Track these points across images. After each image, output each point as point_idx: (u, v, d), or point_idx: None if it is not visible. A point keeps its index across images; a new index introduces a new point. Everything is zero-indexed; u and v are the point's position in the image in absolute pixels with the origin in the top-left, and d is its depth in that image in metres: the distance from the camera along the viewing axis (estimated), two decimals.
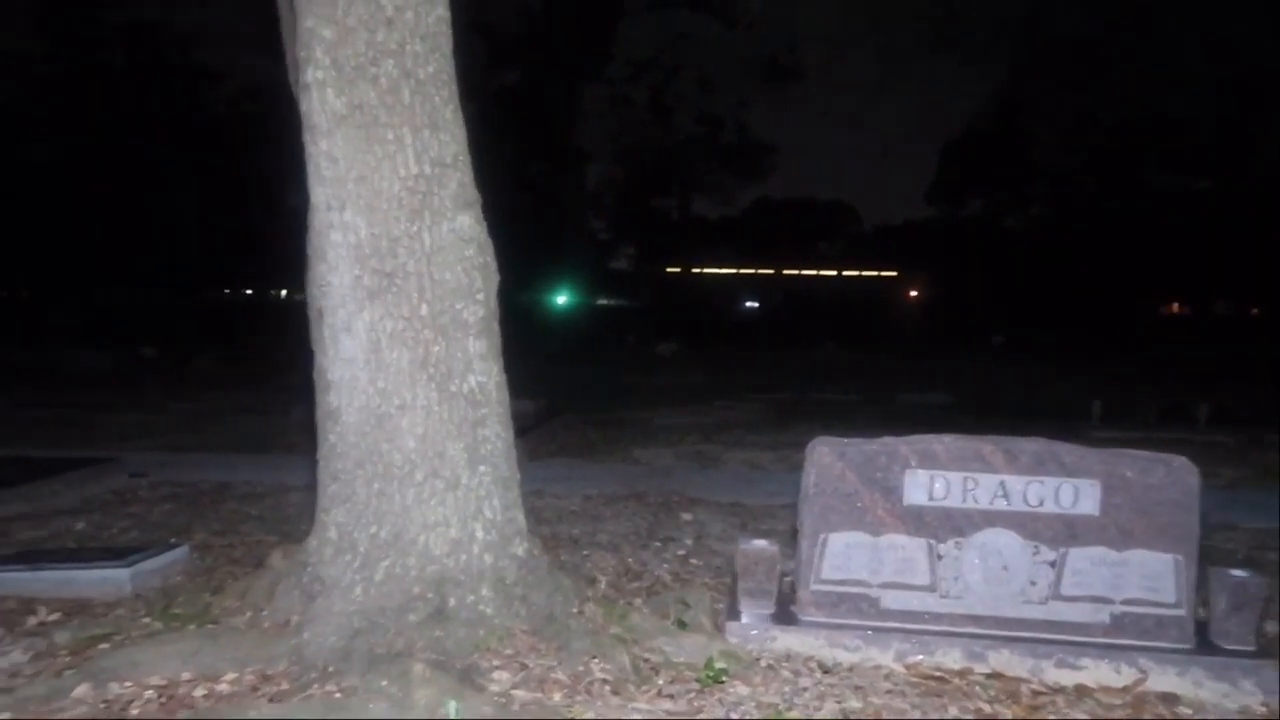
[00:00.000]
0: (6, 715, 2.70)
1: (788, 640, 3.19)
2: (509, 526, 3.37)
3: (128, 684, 2.89)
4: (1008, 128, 31.26)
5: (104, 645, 3.22)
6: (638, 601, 3.67)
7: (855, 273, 47.20)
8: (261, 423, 9.47)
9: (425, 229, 3.22)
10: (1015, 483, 3.19)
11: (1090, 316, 31.05)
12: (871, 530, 3.25)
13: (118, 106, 29.17)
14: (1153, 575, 3.10)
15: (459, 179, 3.33)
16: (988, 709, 2.83)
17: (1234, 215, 29.83)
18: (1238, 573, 3.13)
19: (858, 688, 2.94)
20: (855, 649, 3.15)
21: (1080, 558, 3.14)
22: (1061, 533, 3.16)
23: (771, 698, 2.85)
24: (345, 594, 3.15)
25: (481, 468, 3.31)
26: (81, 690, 2.83)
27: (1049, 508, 3.17)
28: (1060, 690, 2.98)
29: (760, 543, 3.36)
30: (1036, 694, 2.95)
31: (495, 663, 2.98)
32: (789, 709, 2.79)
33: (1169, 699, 2.93)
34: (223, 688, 2.87)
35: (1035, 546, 3.17)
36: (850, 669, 3.08)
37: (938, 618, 3.19)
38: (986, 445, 3.24)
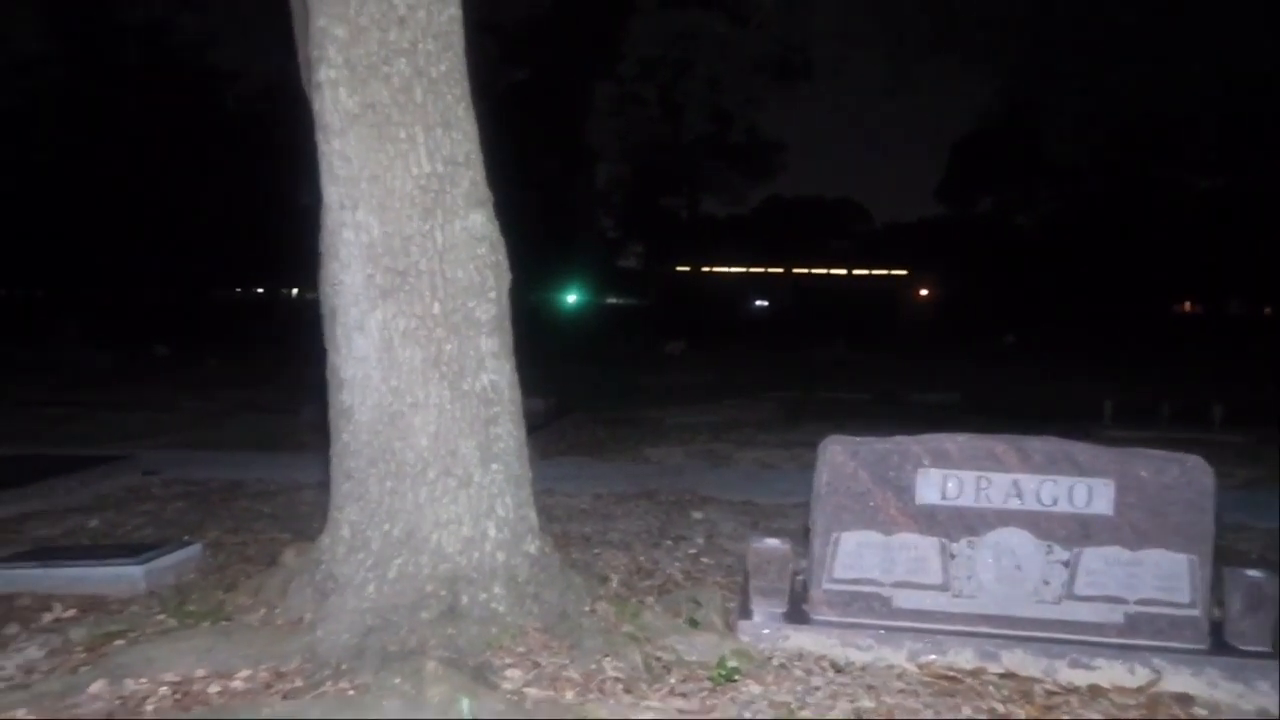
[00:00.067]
0: (23, 711, 2.72)
1: (800, 639, 3.19)
2: (521, 524, 3.38)
3: (143, 680, 2.90)
4: (1018, 125, 31.11)
5: (119, 642, 3.24)
6: (649, 600, 3.67)
7: (865, 271, 47.08)
8: (273, 421, 9.51)
9: (438, 227, 3.23)
10: (1029, 482, 3.18)
11: (1101, 316, 30.89)
12: (884, 529, 3.24)
13: (131, 106, 29.30)
14: (1167, 575, 3.09)
15: (471, 177, 3.33)
16: (1001, 709, 2.82)
17: (1246, 214, 29.65)
18: (1253, 573, 3.11)
19: (870, 687, 2.93)
20: (868, 648, 3.14)
21: (1094, 557, 3.13)
22: (1075, 532, 3.15)
23: (784, 697, 2.84)
24: (358, 592, 3.16)
25: (494, 466, 3.32)
26: (97, 687, 2.85)
27: (1063, 507, 3.16)
28: (1074, 690, 2.96)
29: (772, 541, 3.36)
30: (1050, 694, 2.94)
31: (508, 660, 2.98)
32: (801, 708, 2.78)
33: (1183, 700, 2.92)
34: (237, 684, 2.88)
35: (1049, 546, 3.16)
36: (863, 668, 3.07)
37: (950, 617, 3.18)
38: (1000, 444, 3.23)
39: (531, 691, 2.81)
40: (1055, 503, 3.16)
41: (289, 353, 11.50)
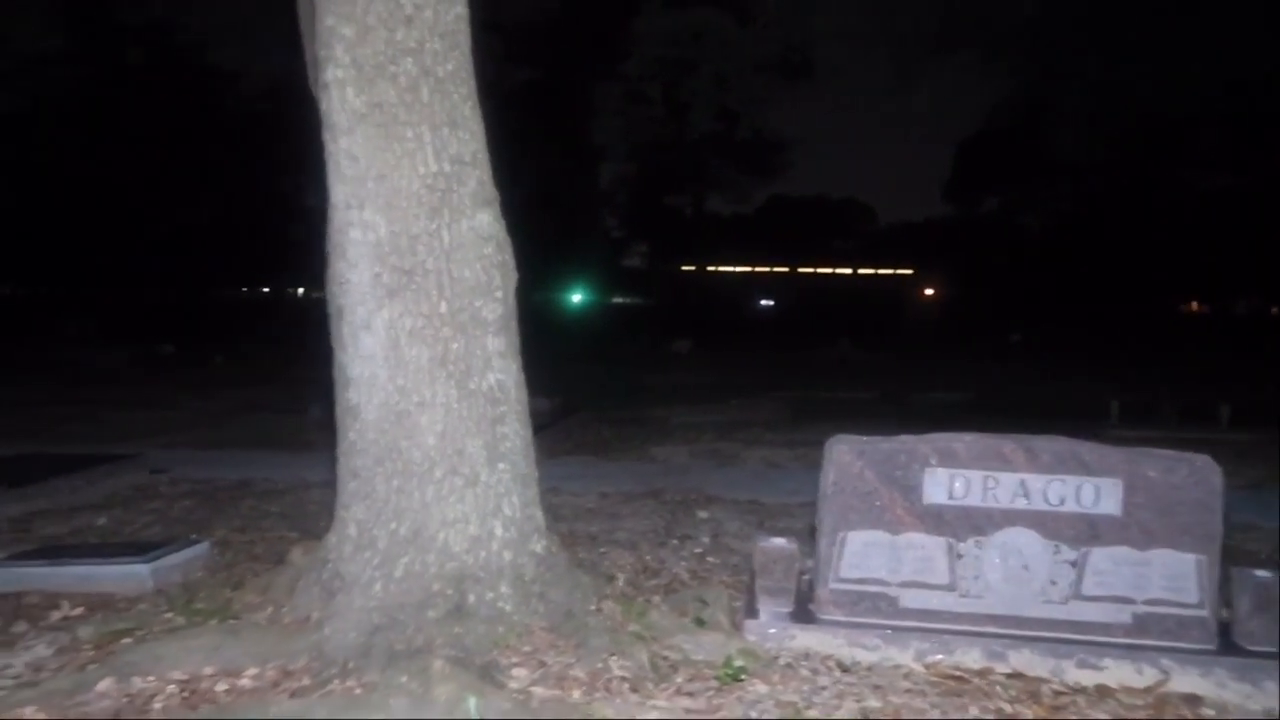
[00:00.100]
0: (31, 709, 2.72)
1: (806, 639, 3.18)
2: (528, 524, 3.38)
3: (150, 678, 2.91)
4: (1024, 125, 31.06)
5: (126, 640, 3.25)
6: (656, 599, 3.67)
7: (871, 271, 47.04)
8: (279, 420, 9.53)
9: (444, 226, 3.23)
10: (1036, 481, 3.17)
11: (1108, 315, 30.81)
12: (891, 529, 3.23)
13: (132, 106, 29.36)
14: (1175, 575, 3.08)
15: (478, 176, 3.33)
16: (1008, 709, 2.82)
17: (1253, 213, 29.53)
18: (1261, 573, 3.10)
19: (877, 687, 2.93)
20: (874, 648, 3.13)
21: (1102, 557, 3.12)
22: (1083, 532, 3.14)
23: (790, 696, 2.84)
24: (365, 590, 3.16)
25: (500, 465, 3.32)
26: (105, 684, 2.86)
27: (1070, 507, 3.15)
28: (1081, 690, 2.95)
29: (778, 541, 3.35)
30: (1057, 694, 2.93)
31: (514, 659, 2.98)
32: (808, 708, 2.78)
33: (1191, 700, 2.91)
34: (244, 683, 2.89)
35: (1056, 546, 3.15)
36: (869, 668, 3.07)
37: (957, 617, 3.17)
38: (1007, 444, 3.22)
39: (538, 690, 2.81)
40: (1063, 502, 3.15)
41: (294, 352, 11.53)
